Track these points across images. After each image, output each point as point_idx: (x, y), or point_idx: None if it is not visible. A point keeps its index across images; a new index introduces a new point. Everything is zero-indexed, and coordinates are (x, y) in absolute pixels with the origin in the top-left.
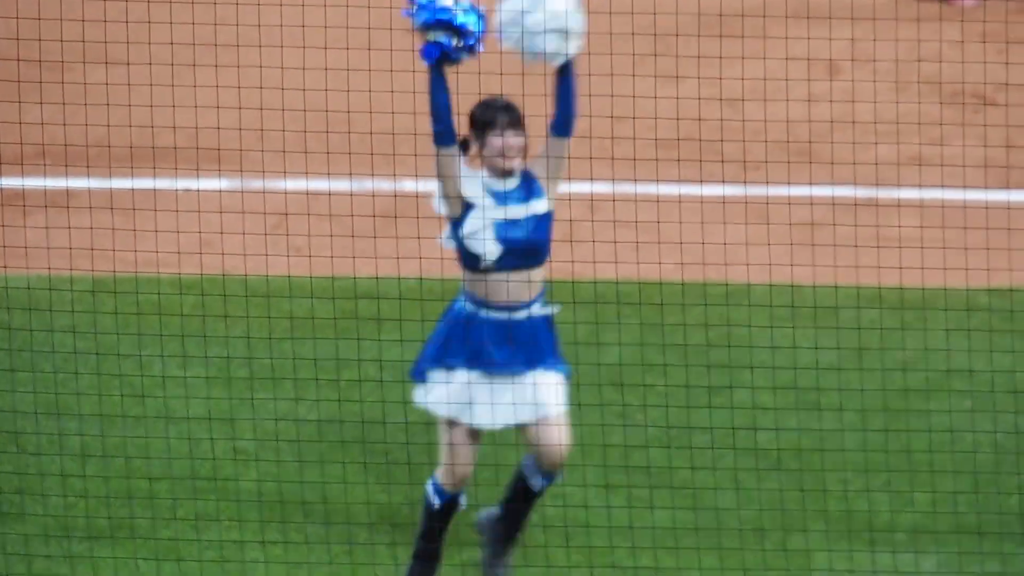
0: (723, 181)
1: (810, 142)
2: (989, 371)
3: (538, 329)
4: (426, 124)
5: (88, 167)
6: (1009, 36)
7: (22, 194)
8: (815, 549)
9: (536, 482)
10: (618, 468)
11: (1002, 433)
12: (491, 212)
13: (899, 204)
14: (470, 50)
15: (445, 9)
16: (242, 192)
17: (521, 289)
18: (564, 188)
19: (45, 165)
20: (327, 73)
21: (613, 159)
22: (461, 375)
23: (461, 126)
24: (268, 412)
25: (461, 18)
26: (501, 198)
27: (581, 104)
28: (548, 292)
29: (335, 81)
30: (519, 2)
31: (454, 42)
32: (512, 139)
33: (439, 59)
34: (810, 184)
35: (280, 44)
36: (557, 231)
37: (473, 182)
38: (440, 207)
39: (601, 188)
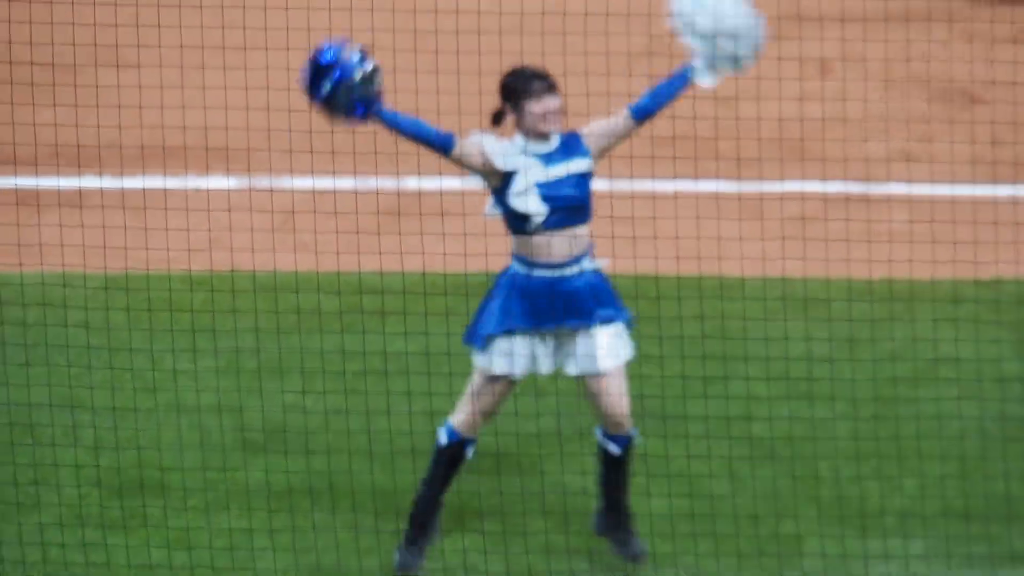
0: (717, 177)
1: (802, 139)
2: (975, 360)
3: (591, 283)
4: (431, 122)
5: (100, 167)
6: (994, 35)
7: (36, 194)
8: (807, 534)
9: (612, 448)
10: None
11: (988, 420)
12: (533, 174)
13: (889, 199)
14: (368, 79)
15: (338, 72)
16: (250, 190)
17: (569, 246)
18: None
19: (58, 165)
20: None
21: (610, 156)
22: (521, 337)
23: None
24: (276, 403)
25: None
26: (543, 159)
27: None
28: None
29: None
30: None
31: (358, 84)
32: (551, 102)
33: (366, 107)
34: (802, 180)
35: (286, 46)
36: None
37: (510, 150)
38: (488, 207)
39: (599, 184)
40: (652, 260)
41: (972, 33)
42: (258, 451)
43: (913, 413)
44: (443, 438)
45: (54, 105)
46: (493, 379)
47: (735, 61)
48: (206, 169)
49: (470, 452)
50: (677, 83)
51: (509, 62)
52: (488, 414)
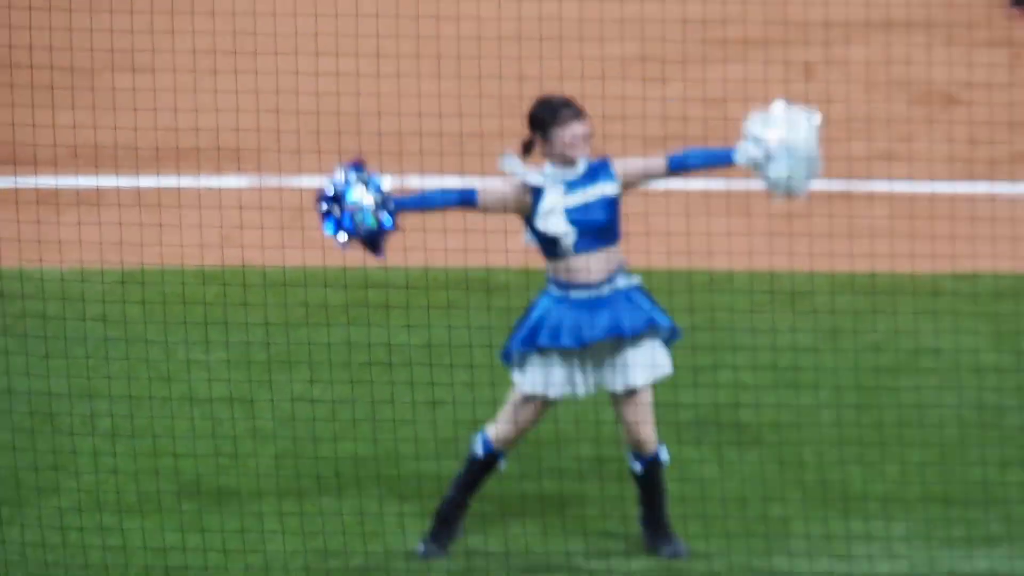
0: (706, 176)
1: None
2: (954, 350)
3: (628, 298)
4: (427, 125)
5: (117, 167)
6: (972, 39)
7: (56, 192)
8: (792, 517)
9: (635, 467)
10: (610, 442)
11: (966, 408)
12: (559, 197)
13: (871, 196)
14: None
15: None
16: (260, 189)
17: (600, 267)
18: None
19: (77, 165)
20: (338, 77)
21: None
22: (559, 359)
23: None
24: (285, 393)
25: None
26: (569, 185)
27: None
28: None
29: (346, 85)
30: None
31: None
32: (579, 128)
33: (391, 223)
34: None
35: (295, 51)
36: None
37: (536, 178)
38: (525, 238)
39: None
40: (644, 255)
41: (950, 37)
42: (267, 439)
43: (894, 401)
44: (479, 449)
45: (73, 108)
46: (532, 397)
47: (788, 189)
48: (218, 169)
49: (503, 464)
50: (720, 159)
51: (508, 66)
52: (524, 431)
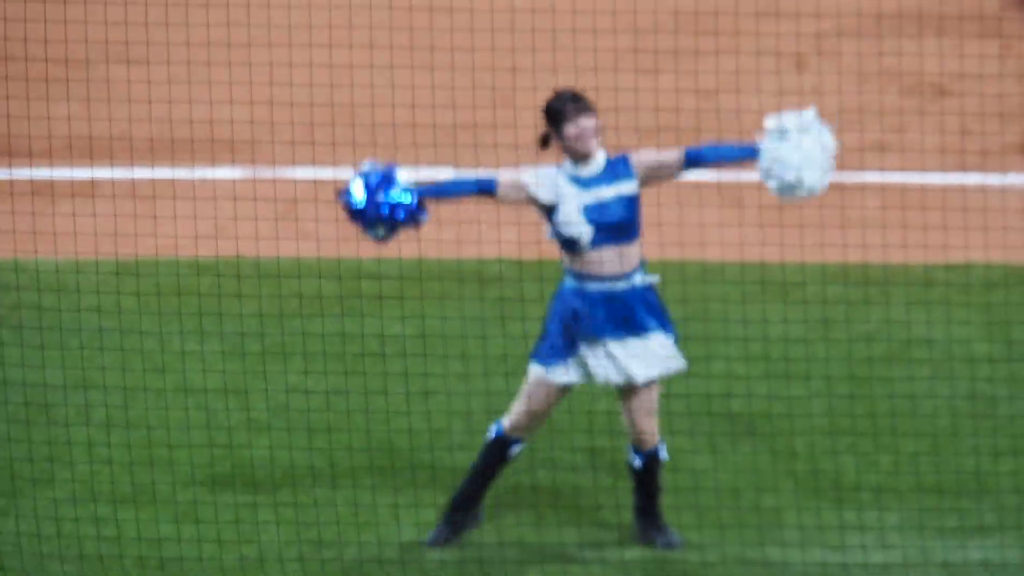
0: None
1: None
2: (946, 341)
3: (642, 296)
4: (421, 117)
5: (111, 158)
6: (963, 30)
7: (51, 184)
8: (785, 507)
9: (634, 461)
10: (603, 433)
11: (959, 398)
12: (578, 199)
13: (863, 187)
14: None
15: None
16: (254, 180)
17: (617, 263)
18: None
19: (72, 157)
20: (332, 69)
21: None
22: (577, 351)
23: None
24: (279, 384)
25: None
26: (585, 183)
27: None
28: (646, 265)
29: (340, 76)
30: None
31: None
32: (585, 122)
33: (415, 215)
34: None
35: (288, 43)
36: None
37: (555, 180)
38: (546, 232)
39: None
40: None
41: (941, 29)
42: (262, 430)
43: (887, 392)
44: (491, 433)
45: (67, 100)
46: (546, 384)
47: (796, 193)
48: (212, 160)
49: (515, 451)
50: (740, 154)
51: (501, 58)
52: (538, 417)
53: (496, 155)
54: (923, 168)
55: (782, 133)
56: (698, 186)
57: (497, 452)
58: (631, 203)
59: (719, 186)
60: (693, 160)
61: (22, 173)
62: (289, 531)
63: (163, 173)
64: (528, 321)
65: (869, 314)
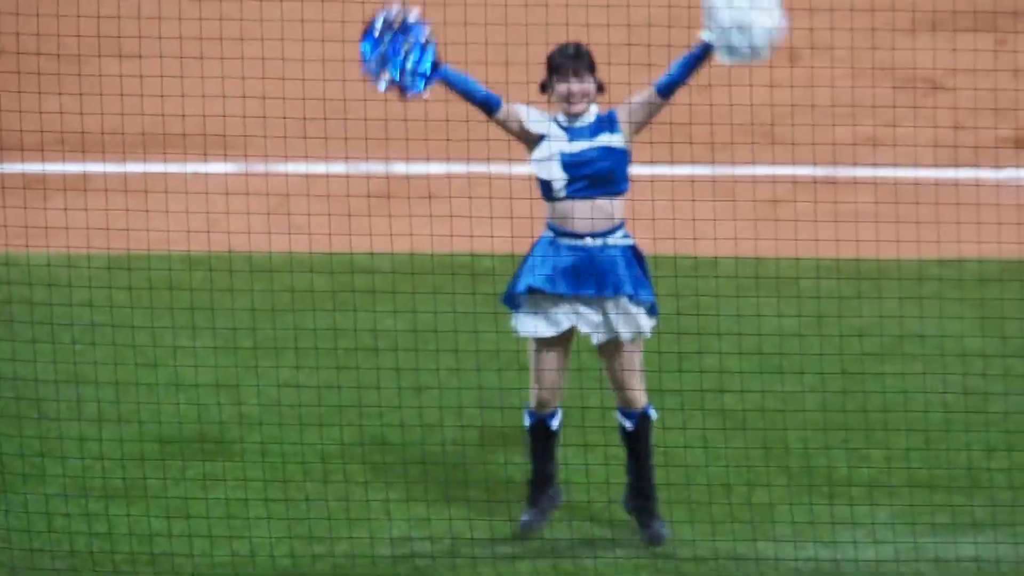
0: (692, 161)
1: (772, 125)
2: (939, 336)
3: (614, 257)
4: (413, 111)
5: (103, 152)
6: (956, 25)
7: (43, 178)
8: (777, 503)
9: (625, 423)
10: (595, 428)
11: (951, 394)
12: (559, 144)
13: (855, 182)
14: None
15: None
16: (246, 175)
17: (589, 220)
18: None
19: (64, 151)
20: (324, 63)
21: None
22: (545, 301)
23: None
24: (271, 379)
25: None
26: (571, 133)
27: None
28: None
29: (332, 71)
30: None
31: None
32: (575, 85)
33: (428, 81)
34: (772, 164)
35: (281, 37)
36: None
37: (544, 120)
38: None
39: None
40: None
41: (935, 22)
42: (253, 425)
43: (879, 387)
44: (525, 420)
45: (59, 94)
46: (538, 350)
47: (750, 52)
48: (204, 155)
49: (554, 423)
50: (697, 52)
51: (494, 53)
52: (550, 385)
53: (488, 150)
54: (916, 163)
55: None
56: (692, 181)
57: (540, 433)
58: (613, 154)
59: (713, 180)
60: (666, 87)
61: (13, 167)
62: (280, 527)
63: (155, 167)
64: None
65: (862, 309)
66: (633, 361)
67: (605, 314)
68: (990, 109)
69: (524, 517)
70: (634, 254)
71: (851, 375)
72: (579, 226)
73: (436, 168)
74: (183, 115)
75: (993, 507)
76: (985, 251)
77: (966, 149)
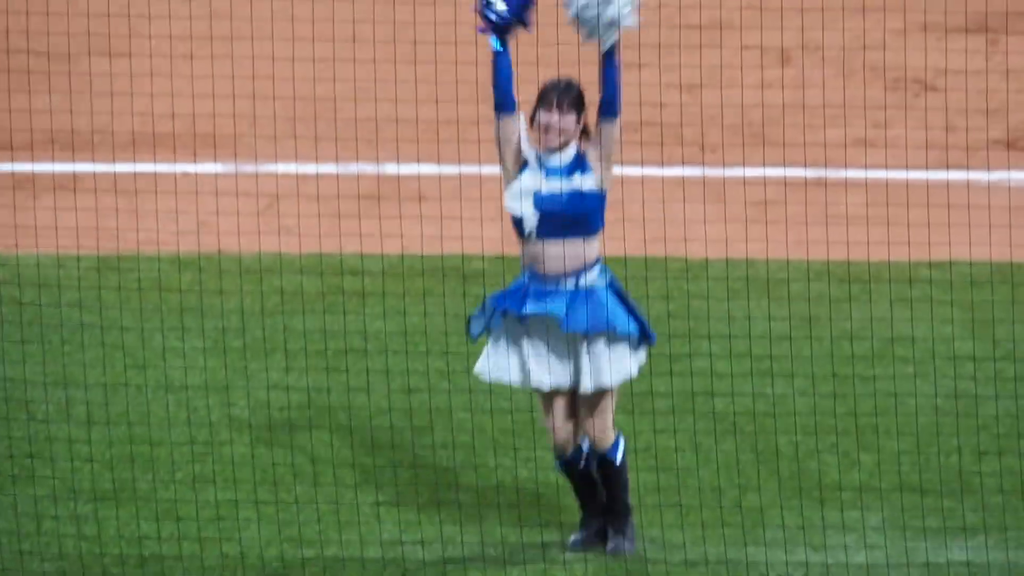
0: (683, 162)
1: (763, 126)
2: (929, 339)
3: (587, 296)
4: (404, 112)
5: (93, 152)
6: (947, 25)
7: (32, 178)
8: (768, 506)
9: (592, 462)
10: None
11: (942, 397)
12: (532, 181)
13: (846, 183)
14: (513, 20)
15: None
16: (236, 175)
17: (560, 261)
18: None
19: (53, 150)
20: (315, 63)
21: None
22: (509, 347)
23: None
24: (260, 381)
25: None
26: (547, 169)
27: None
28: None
29: (322, 70)
30: None
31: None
32: (550, 118)
33: (494, 29)
34: (763, 165)
35: (271, 36)
36: None
37: (529, 151)
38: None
39: None
40: (620, 242)
41: (926, 23)
42: (243, 427)
43: (870, 390)
44: (556, 466)
45: (49, 92)
46: (544, 400)
47: (613, 25)
48: (194, 155)
49: (581, 461)
50: (604, 61)
51: (483, 52)
52: (561, 432)
53: (479, 151)
54: (907, 164)
55: None
56: (682, 182)
57: (572, 472)
58: (585, 198)
59: (703, 181)
60: (606, 107)
61: (3, 167)
62: (270, 529)
63: (145, 167)
64: None
65: (852, 311)
66: (601, 407)
67: (577, 358)
68: (981, 110)
69: (572, 537)
70: (613, 290)
71: (841, 378)
72: (549, 270)
73: (427, 169)
74: (173, 115)
75: (984, 511)
76: (976, 253)
77: (957, 150)
